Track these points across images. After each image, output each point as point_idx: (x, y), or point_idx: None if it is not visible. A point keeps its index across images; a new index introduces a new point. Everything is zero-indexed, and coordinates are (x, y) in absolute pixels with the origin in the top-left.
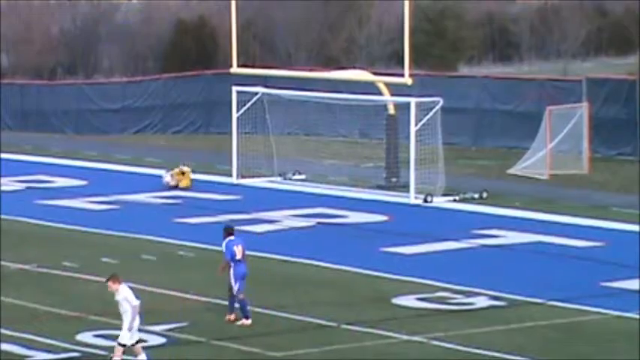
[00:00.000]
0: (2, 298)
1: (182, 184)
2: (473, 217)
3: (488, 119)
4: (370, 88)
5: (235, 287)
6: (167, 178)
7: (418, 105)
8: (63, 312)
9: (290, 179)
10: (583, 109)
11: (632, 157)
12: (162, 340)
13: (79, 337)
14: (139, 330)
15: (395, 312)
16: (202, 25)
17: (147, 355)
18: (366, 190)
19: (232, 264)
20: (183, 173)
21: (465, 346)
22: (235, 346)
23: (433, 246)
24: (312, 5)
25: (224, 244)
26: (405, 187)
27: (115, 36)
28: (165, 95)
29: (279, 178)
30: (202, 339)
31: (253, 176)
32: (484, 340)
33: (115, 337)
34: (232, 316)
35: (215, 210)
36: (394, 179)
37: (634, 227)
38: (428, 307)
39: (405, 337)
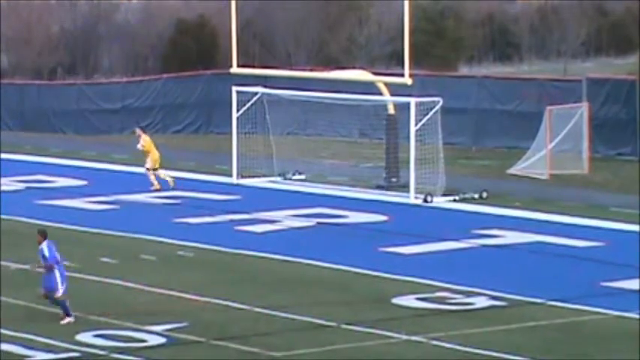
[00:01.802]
0: (2, 298)
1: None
2: (473, 217)
3: (488, 119)
4: (370, 88)
5: (63, 288)
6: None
7: (418, 105)
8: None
9: (290, 179)
10: (583, 109)
11: (632, 157)
12: (162, 340)
13: (79, 337)
14: (140, 330)
15: (394, 312)
16: (202, 24)
17: None
18: (366, 190)
19: (57, 266)
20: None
21: (464, 346)
22: (235, 346)
23: (433, 246)
24: (312, 5)
25: (45, 248)
26: (404, 187)
27: (115, 36)
28: (165, 95)
29: (279, 178)
30: (202, 339)
31: (253, 176)
32: (484, 340)
33: (115, 338)
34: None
35: (215, 210)
36: (394, 179)
37: (634, 227)
38: (428, 307)
39: (405, 337)
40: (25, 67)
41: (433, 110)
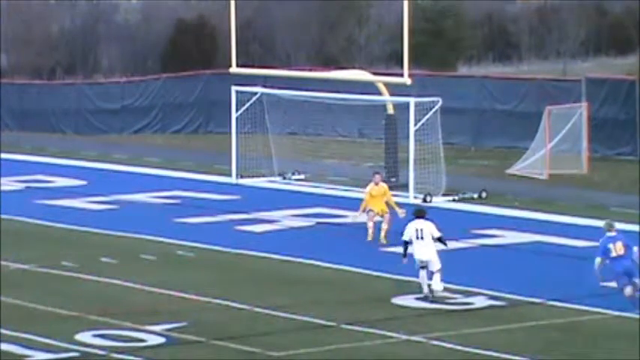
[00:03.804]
0: (2, 298)
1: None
2: (472, 217)
3: (487, 119)
4: (369, 88)
5: None
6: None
7: (417, 105)
8: (62, 312)
9: (289, 179)
10: (582, 109)
11: (632, 157)
12: (162, 339)
13: (78, 336)
14: (139, 330)
15: (394, 312)
16: (202, 24)
17: None
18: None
19: None
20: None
21: (464, 345)
22: (235, 345)
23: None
24: (312, 5)
25: None
26: (404, 187)
27: (114, 36)
28: (164, 95)
29: (278, 178)
30: (202, 339)
31: (252, 176)
32: (483, 339)
33: (114, 337)
34: None
35: (214, 210)
36: (393, 179)
37: (634, 227)
38: (427, 306)
39: (405, 337)
40: (24, 67)
41: (432, 110)
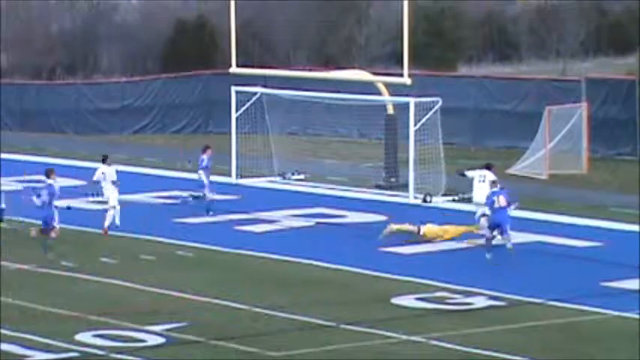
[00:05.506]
0: (2, 298)
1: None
2: (472, 217)
3: (487, 119)
4: (369, 88)
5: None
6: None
7: (417, 105)
8: (62, 312)
9: (289, 179)
10: (582, 109)
11: (631, 157)
12: (162, 339)
13: (78, 336)
14: (139, 330)
15: (394, 312)
16: (202, 25)
17: None
18: (365, 189)
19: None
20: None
21: (463, 346)
22: (234, 345)
23: (432, 246)
24: (312, 5)
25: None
26: (404, 187)
27: (114, 36)
28: (164, 95)
29: (278, 178)
30: (201, 339)
31: (252, 176)
32: (483, 339)
33: (114, 338)
34: None
35: (214, 210)
36: (393, 179)
37: (633, 227)
38: (427, 306)
39: (404, 337)
40: (24, 66)
41: (432, 110)
